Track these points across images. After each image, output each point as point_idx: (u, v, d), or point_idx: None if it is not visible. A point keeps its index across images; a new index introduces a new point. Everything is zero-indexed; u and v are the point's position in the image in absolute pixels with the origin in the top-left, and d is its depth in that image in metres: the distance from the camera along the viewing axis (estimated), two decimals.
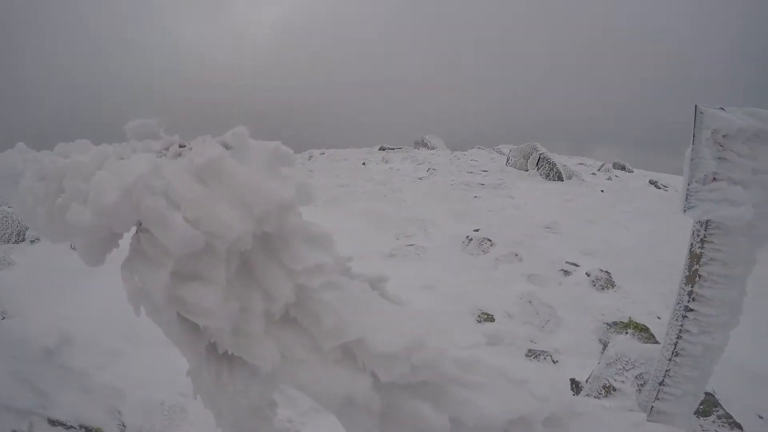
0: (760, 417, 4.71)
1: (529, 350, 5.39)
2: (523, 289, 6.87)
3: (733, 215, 1.88)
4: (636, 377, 2.84)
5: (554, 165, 17.39)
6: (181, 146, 0.92)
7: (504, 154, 22.54)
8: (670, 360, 2.28)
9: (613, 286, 6.99)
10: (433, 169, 19.49)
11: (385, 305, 1.03)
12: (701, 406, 4.38)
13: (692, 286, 2.10)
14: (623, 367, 2.95)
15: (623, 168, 25.10)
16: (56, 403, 2.82)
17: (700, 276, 2.07)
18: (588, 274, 7.25)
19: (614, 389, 2.85)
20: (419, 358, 0.86)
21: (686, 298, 2.15)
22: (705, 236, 2.01)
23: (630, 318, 5.95)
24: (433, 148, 33.08)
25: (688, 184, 1.91)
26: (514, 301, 6.50)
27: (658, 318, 6.33)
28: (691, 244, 2.08)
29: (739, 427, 4.24)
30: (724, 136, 1.85)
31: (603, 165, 22.97)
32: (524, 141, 19.50)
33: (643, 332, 5.52)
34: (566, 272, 7.45)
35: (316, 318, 0.85)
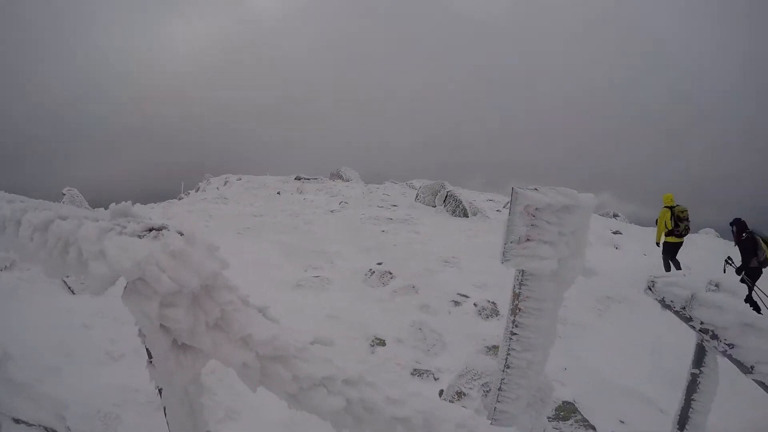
0: (622, 422, 5.47)
1: (414, 369, 5.93)
2: (415, 317, 7.40)
3: (539, 267, 2.57)
4: (482, 385, 3.53)
5: (460, 202, 18.00)
6: (156, 229, 1.50)
7: (416, 189, 23.07)
8: (503, 371, 2.97)
9: (497, 314, 7.70)
10: (345, 202, 19.82)
11: (263, 319, 1.63)
12: (562, 412, 5.16)
13: (514, 317, 2.80)
14: (471, 378, 3.64)
15: None
16: (11, 408, 3.21)
17: (519, 309, 2.77)
18: (476, 305, 7.89)
19: (464, 395, 3.53)
20: (276, 344, 1.49)
21: (511, 325, 2.84)
22: (522, 280, 2.71)
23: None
24: (348, 180, 33.45)
25: (505, 243, 2.60)
26: (406, 328, 7.02)
27: None
28: (514, 286, 2.79)
29: (593, 428, 5.01)
30: (536, 209, 2.55)
31: (508, 203, 23.96)
32: (441, 176, 20.18)
33: None
34: (456, 303, 8.08)
35: (230, 324, 1.47)
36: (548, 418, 5.12)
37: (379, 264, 10.02)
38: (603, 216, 28.03)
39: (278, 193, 23.22)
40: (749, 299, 10.57)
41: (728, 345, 3.07)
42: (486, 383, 3.44)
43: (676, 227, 12.40)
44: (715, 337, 3.08)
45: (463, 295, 8.31)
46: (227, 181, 28.57)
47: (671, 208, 12.58)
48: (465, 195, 25.36)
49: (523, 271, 2.71)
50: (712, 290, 7.72)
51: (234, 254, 9.17)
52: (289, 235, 12.63)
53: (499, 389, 3.06)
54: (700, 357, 3.28)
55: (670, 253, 12.80)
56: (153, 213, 15.76)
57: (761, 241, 10.65)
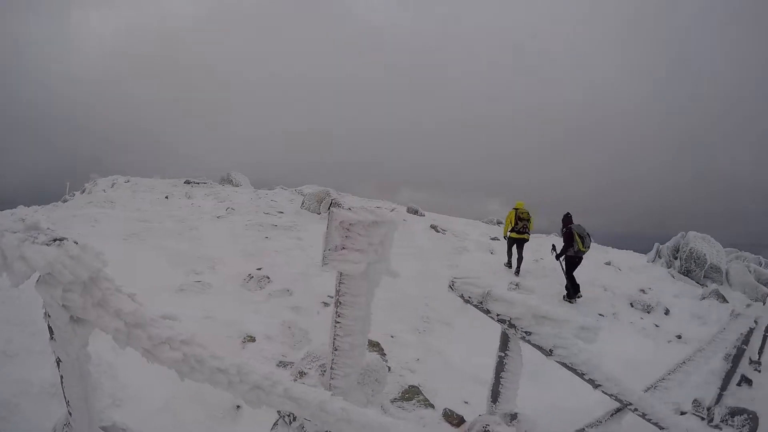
0: (466, 402, 6.31)
1: (280, 361, 6.54)
2: (286, 317, 8.02)
3: (352, 269, 3.35)
4: (320, 366, 4.29)
5: None
6: (59, 239, 2.19)
7: (304, 195, 23.23)
8: (333, 353, 3.73)
9: None
10: (232, 208, 19.93)
11: (129, 299, 2.33)
12: (406, 394, 5.99)
13: (337, 308, 3.59)
14: (311, 360, 4.40)
15: (416, 212, 26.90)
16: None
17: (340, 302, 3.55)
18: None
19: (305, 374, 4.29)
20: (137, 315, 2.21)
21: (335, 315, 3.61)
22: (341, 280, 3.50)
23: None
24: (238, 185, 33.36)
25: (324, 251, 3.38)
26: (276, 326, 7.61)
27: (392, 336, 7.96)
28: (336, 284, 3.58)
29: (432, 406, 5.85)
30: (350, 224, 3.35)
31: (394, 209, 24.62)
32: (334, 182, 20.45)
33: (375, 346, 7.08)
34: (326, 304, 8.80)
35: (107, 303, 2.16)
36: (393, 399, 5.94)
37: (259, 269, 10.57)
38: (487, 223, 29.27)
39: (166, 197, 22.98)
40: (569, 281, 13.54)
41: (526, 332, 3.93)
42: (323, 364, 4.17)
43: (516, 225, 15.04)
44: (512, 326, 3.94)
45: (332, 297, 8.78)
46: (114, 183, 27.66)
47: (516, 209, 15.22)
48: (351, 202, 25.96)
49: (340, 272, 3.51)
50: (513, 288, 8.86)
51: (119, 260, 9.55)
52: (174, 241, 12.87)
53: (331, 368, 3.82)
54: (504, 342, 4.10)
55: (510, 244, 15.60)
56: (37, 218, 15.65)
57: (577, 235, 13.28)
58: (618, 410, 5.15)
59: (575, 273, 14.06)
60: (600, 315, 13.20)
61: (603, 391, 4.47)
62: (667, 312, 14.37)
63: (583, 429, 5.11)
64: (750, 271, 19.96)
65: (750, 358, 9.32)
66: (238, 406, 5.29)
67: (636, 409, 4.85)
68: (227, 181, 34.99)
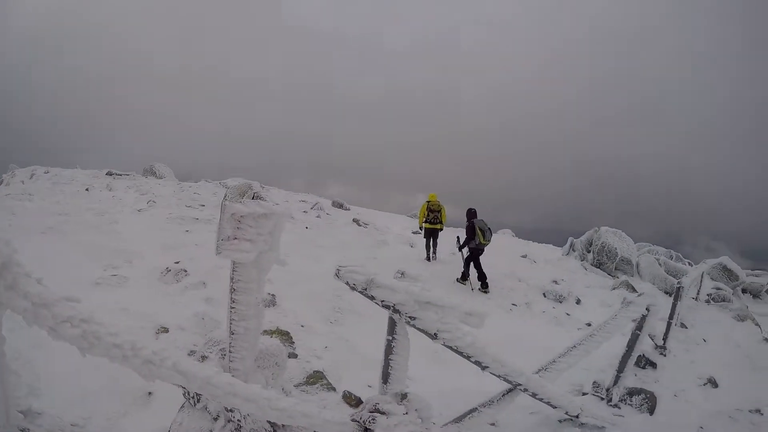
0: (369, 386, 6.53)
1: (190, 351, 6.55)
2: (200, 309, 8.08)
3: (243, 257, 3.51)
4: (220, 350, 4.46)
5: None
6: None
7: (227, 188, 23.28)
8: (230, 337, 3.89)
9: (275, 305, 8.60)
10: (154, 201, 19.69)
11: (36, 283, 2.48)
12: (311, 379, 6.19)
13: (232, 294, 3.76)
14: (213, 345, 4.58)
15: (341, 206, 27.08)
16: None
17: (234, 289, 3.72)
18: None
19: (207, 357, 4.46)
20: (42, 296, 2.36)
21: (230, 301, 3.79)
22: (234, 267, 3.68)
23: (277, 327, 7.60)
24: (161, 177, 32.86)
25: (218, 240, 3.53)
26: (190, 318, 7.69)
27: (302, 326, 8.16)
28: (231, 272, 3.75)
29: (334, 390, 6.06)
30: (241, 216, 3.51)
31: (317, 203, 24.75)
32: (263, 175, 20.30)
33: (284, 336, 7.27)
34: None
35: (17, 285, 2.25)
36: (298, 383, 6.13)
37: (177, 263, 10.55)
38: (411, 217, 29.77)
39: (87, 189, 22.46)
40: (478, 270, 15.00)
41: (410, 317, 4.15)
42: (223, 348, 4.34)
43: (428, 216, 16.27)
44: (396, 311, 4.16)
45: None
46: (33, 174, 26.90)
47: (428, 202, 16.32)
48: (276, 196, 25.94)
49: (233, 261, 3.68)
50: (398, 277, 9.18)
51: (35, 254, 9.48)
52: (93, 235, 12.72)
53: (229, 351, 3.99)
54: (392, 327, 4.29)
55: (426, 235, 16.67)
56: None
57: (478, 229, 14.33)
58: (509, 391, 5.45)
59: (482, 264, 15.19)
60: (514, 305, 13.86)
61: (491, 372, 4.77)
62: (578, 301, 15.14)
63: (476, 408, 5.38)
64: (660, 264, 20.91)
65: (655, 344, 9.91)
66: (149, 393, 5.42)
67: (526, 389, 5.18)
68: (150, 173, 34.40)
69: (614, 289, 16.95)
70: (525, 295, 14.89)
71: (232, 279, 3.76)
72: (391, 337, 4.29)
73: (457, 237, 16.85)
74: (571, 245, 23.27)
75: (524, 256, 20.27)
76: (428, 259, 16.97)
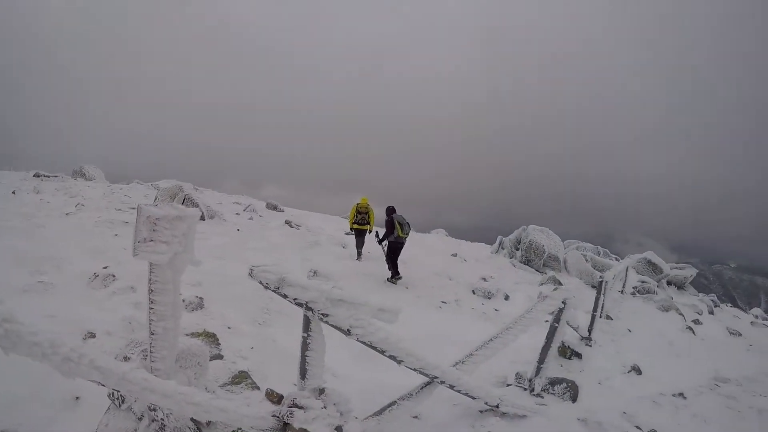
0: (295, 384, 6.61)
1: (117, 355, 6.58)
2: (128, 313, 8.01)
3: (159, 259, 3.61)
4: (142, 351, 4.53)
5: (197, 205, 18.20)
6: None
7: (159, 190, 22.56)
8: (150, 337, 3.97)
9: (202, 308, 8.61)
10: (82, 204, 19.24)
11: None
12: (236, 379, 6.26)
13: (150, 295, 3.83)
14: (134, 346, 4.62)
15: (275, 207, 27.03)
16: None
17: (152, 290, 3.80)
18: (184, 300, 8.66)
19: (128, 358, 4.52)
20: None
21: (149, 302, 3.86)
22: (151, 269, 3.76)
23: (204, 329, 7.62)
24: (91, 179, 32.11)
25: (134, 242, 3.61)
26: (118, 323, 7.61)
27: (229, 328, 8.21)
28: (148, 273, 3.82)
29: (258, 388, 6.15)
30: (156, 218, 3.59)
31: (250, 205, 24.66)
32: (196, 177, 20.00)
33: (211, 337, 7.31)
34: None
35: None
36: (223, 384, 6.20)
37: (105, 268, 10.39)
38: (346, 218, 29.94)
39: (13, 192, 21.74)
40: (388, 261, 15.84)
41: (323, 314, 4.30)
42: (145, 349, 4.41)
43: (356, 217, 17.09)
44: (309, 309, 4.29)
45: None
46: None
47: (358, 204, 17.07)
48: (210, 198, 25.74)
49: (150, 262, 3.76)
50: (311, 276, 9.34)
51: None
52: (19, 240, 12.39)
53: (150, 352, 4.07)
54: (307, 324, 4.43)
55: (356, 236, 17.51)
56: None
57: (397, 223, 15.07)
58: (428, 384, 5.64)
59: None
60: (443, 302, 14.20)
61: (406, 366, 4.95)
62: (507, 297, 15.67)
63: (395, 401, 5.55)
64: (587, 260, 21.68)
65: (581, 335, 10.28)
66: (77, 398, 5.42)
67: (443, 382, 5.37)
68: (80, 174, 33.40)
69: (542, 284, 17.52)
70: (455, 293, 15.35)
71: (150, 280, 3.84)
72: (306, 335, 4.43)
73: (376, 231, 17.50)
74: (500, 243, 24.01)
75: (454, 255, 20.77)
76: (358, 258, 17.56)
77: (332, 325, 4.35)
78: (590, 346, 10.78)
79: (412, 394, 5.62)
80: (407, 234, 15.73)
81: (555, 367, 9.18)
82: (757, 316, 26.05)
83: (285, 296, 4.25)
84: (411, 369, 5.05)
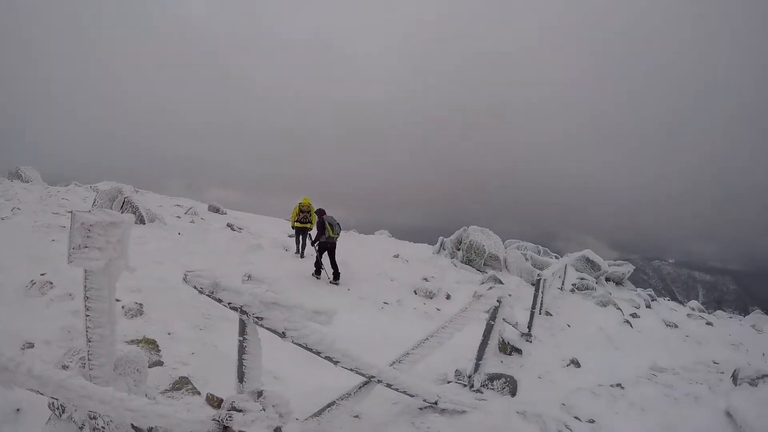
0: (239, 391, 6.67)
1: (56, 364, 6.52)
2: (67, 322, 7.84)
3: (93, 265, 3.63)
4: (80, 359, 4.53)
5: (137, 209, 18.03)
6: None
7: (97, 193, 22.00)
8: (87, 344, 3.97)
9: (141, 314, 8.50)
10: (18, 208, 18.83)
11: None
12: (177, 385, 6.26)
13: (86, 302, 3.83)
14: (72, 355, 4.65)
15: (217, 210, 26.84)
16: None
17: (87, 297, 3.80)
18: (123, 306, 8.57)
19: (67, 367, 4.53)
20: None
21: (85, 309, 3.87)
22: (86, 275, 3.77)
23: (144, 336, 7.56)
24: (27, 181, 31.35)
25: (68, 249, 3.62)
26: (56, 332, 7.46)
27: (169, 334, 8.15)
28: (84, 280, 3.83)
29: (199, 393, 6.16)
30: (90, 225, 3.61)
31: (191, 208, 24.44)
32: (136, 179, 19.69)
33: (151, 344, 7.26)
34: None
35: None
36: (164, 390, 6.19)
37: (43, 274, 10.11)
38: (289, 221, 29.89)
39: None
40: (318, 263, 16.33)
41: (258, 318, 4.35)
42: (83, 357, 4.39)
43: (299, 216, 17.56)
44: (244, 312, 4.34)
45: (116, 299, 8.63)
46: None
47: (300, 204, 17.58)
48: (150, 200, 25.41)
49: (85, 269, 3.77)
50: (245, 280, 9.41)
51: None
52: None
53: (88, 359, 4.07)
54: (242, 328, 4.48)
55: (297, 234, 18.03)
56: None
57: (328, 224, 15.55)
58: (365, 383, 5.73)
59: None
60: (385, 303, 14.42)
61: (342, 367, 5.04)
62: (448, 297, 15.96)
63: (335, 402, 5.63)
64: (527, 258, 22.16)
65: (521, 332, 10.49)
66: (18, 410, 5.37)
67: (380, 381, 5.47)
68: (16, 176, 32.39)
69: (483, 283, 17.74)
70: (397, 293, 15.59)
71: (85, 287, 3.84)
72: (242, 338, 4.49)
73: (309, 234, 18.15)
74: (442, 244, 24.37)
75: (396, 256, 20.97)
76: (298, 254, 18.10)
77: (267, 328, 4.41)
78: (530, 341, 11.03)
79: (350, 394, 5.70)
80: (338, 234, 16.27)
81: (495, 363, 9.37)
82: (693, 309, 26.88)
83: (219, 301, 4.30)
84: (347, 369, 5.15)
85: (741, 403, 8.09)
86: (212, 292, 4.29)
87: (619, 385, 9.11)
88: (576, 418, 7.45)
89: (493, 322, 7.92)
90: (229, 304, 4.28)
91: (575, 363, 10.11)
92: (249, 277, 13.58)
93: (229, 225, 21.17)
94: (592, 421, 7.40)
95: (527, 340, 11.01)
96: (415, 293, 15.98)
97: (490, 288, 7.86)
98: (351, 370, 5.16)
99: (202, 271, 4.38)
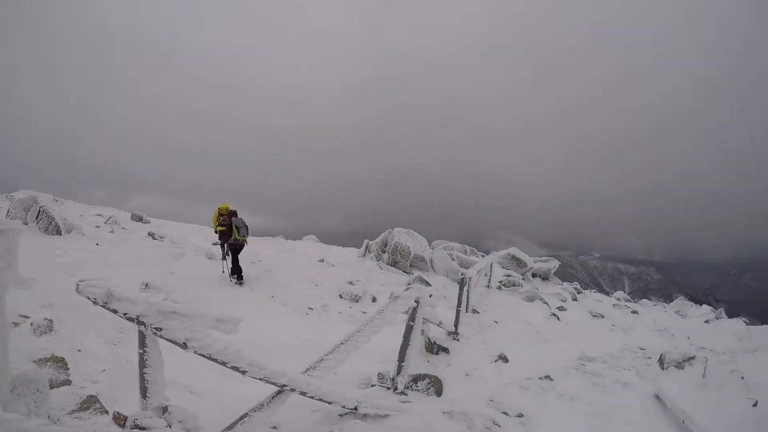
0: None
1: None
2: None
3: None
4: None
5: (53, 219, 17.37)
6: None
7: (12, 202, 21.66)
8: None
9: (52, 330, 8.09)
10: None
11: None
12: (84, 404, 5.98)
13: None
14: None
15: (140, 219, 26.29)
16: None
17: None
18: (32, 324, 8.10)
19: None
20: None
21: None
22: None
23: (53, 353, 7.20)
24: None
25: None
26: None
27: (79, 351, 7.81)
28: None
29: (107, 412, 5.90)
30: None
31: (111, 217, 23.81)
32: (56, 187, 19.09)
33: (59, 362, 6.92)
34: (16, 324, 7.98)
35: None
36: (71, 411, 5.91)
37: None
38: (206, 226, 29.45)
39: None
40: (234, 264, 16.30)
41: (156, 328, 4.16)
42: None
43: (219, 219, 16.96)
44: (141, 323, 4.14)
45: (24, 316, 8.43)
46: None
47: (219, 208, 17.03)
48: (68, 210, 24.59)
49: None
50: (142, 288, 9.16)
51: None
52: None
53: None
54: (142, 340, 4.30)
55: (219, 238, 17.20)
56: None
57: (235, 227, 15.88)
58: (279, 392, 5.53)
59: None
60: (310, 308, 14.36)
61: (251, 377, 4.85)
62: (374, 300, 16.00)
63: (247, 413, 5.42)
64: (453, 258, 22.32)
65: (447, 331, 10.46)
66: None
67: (293, 389, 5.30)
68: None
69: (408, 285, 17.71)
70: (321, 298, 15.53)
71: None
72: (142, 350, 4.32)
73: (219, 237, 17.86)
74: (367, 247, 24.40)
75: (321, 261, 20.78)
76: (223, 258, 17.52)
77: (167, 339, 4.24)
78: (458, 340, 11.10)
79: (263, 405, 5.49)
80: (244, 236, 16.55)
81: (422, 364, 9.35)
82: (619, 299, 27.63)
83: (115, 311, 4.11)
84: (257, 379, 4.95)
85: (669, 387, 8.36)
86: (106, 303, 4.10)
87: (547, 377, 9.27)
88: (504, 413, 7.47)
89: (412, 323, 7.87)
90: (125, 314, 4.11)
91: (503, 358, 10.20)
92: (146, 285, 12.97)
93: (150, 234, 20.57)
94: (520, 416, 7.45)
95: (454, 339, 11.07)
96: (341, 297, 15.96)
97: (407, 288, 7.79)
98: (260, 379, 4.98)
99: (95, 281, 4.17)
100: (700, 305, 28.82)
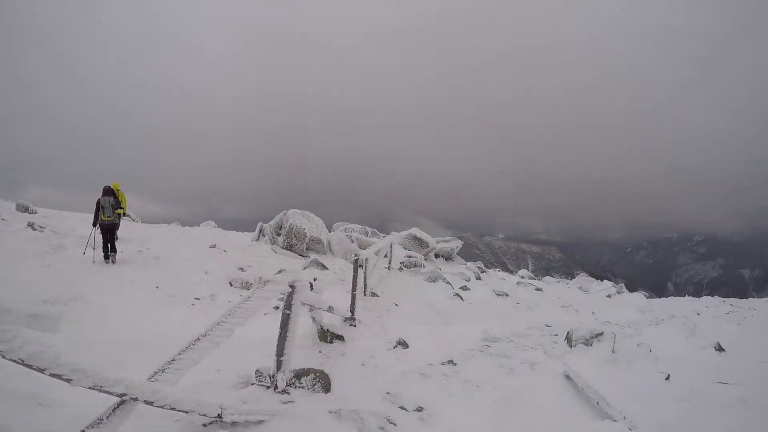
0: None
1: None
2: None
3: None
4: None
5: None
6: None
7: None
8: None
9: None
10: None
11: None
12: None
13: None
14: None
15: (26, 209, 24.98)
16: None
17: None
18: None
19: None
20: None
21: None
22: None
23: None
24: None
25: None
26: None
27: None
28: None
29: None
30: None
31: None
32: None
33: None
34: None
35: None
36: None
37: None
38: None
39: None
40: (105, 243, 16.17)
41: None
42: None
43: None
44: None
45: None
46: None
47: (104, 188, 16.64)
48: None
49: None
50: None
51: None
52: None
53: None
54: None
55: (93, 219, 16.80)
56: None
57: (101, 207, 16.24)
58: (120, 404, 4.55)
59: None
60: (197, 299, 13.49)
61: (78, 385, 3.92)
62: None
63: (83, 430, 4.39)
64: (352, 240, 21.95)
65: (344, 317, 9.92)
66: None
67: (135, 398, 4.36)
68: None
69: (305, 268, 17.08)
70: (210, 287, 14.61)
71: None
72: None
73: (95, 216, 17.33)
74: (261, 230, 23.47)
75: (213, 246, 19.83)
76: (88, 240, 17.06)
77: None
78: (355, 326, 10.56)
79: (101, 420, 4.50)
80: (110, 217, 16.40)
81: (314, 354, 8.73)
82: (523, 277, 28.05)
83: None
84: (86, 388, 3.98)
85: (579, 365, 8.13)
86: None
87: (450, 361, 8.88)
88: (402, 407, 6.76)
89: (289, 312, 6.97)
90: None
91: (403, 344, 9.67)
92: None
93: (30, 224, 19.22)
94: (420, 409, 6.75)
95: (351, 325, 10.53)
96: (231, 285, 15.04)
97: (280, 272, 6.99)
98: (91, 388, 4.00)
99: None
100: (601, 281, 29.61)
